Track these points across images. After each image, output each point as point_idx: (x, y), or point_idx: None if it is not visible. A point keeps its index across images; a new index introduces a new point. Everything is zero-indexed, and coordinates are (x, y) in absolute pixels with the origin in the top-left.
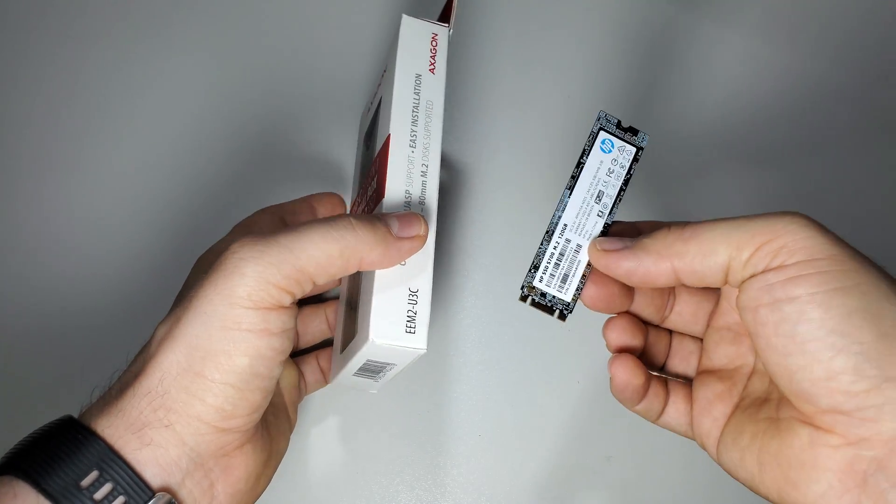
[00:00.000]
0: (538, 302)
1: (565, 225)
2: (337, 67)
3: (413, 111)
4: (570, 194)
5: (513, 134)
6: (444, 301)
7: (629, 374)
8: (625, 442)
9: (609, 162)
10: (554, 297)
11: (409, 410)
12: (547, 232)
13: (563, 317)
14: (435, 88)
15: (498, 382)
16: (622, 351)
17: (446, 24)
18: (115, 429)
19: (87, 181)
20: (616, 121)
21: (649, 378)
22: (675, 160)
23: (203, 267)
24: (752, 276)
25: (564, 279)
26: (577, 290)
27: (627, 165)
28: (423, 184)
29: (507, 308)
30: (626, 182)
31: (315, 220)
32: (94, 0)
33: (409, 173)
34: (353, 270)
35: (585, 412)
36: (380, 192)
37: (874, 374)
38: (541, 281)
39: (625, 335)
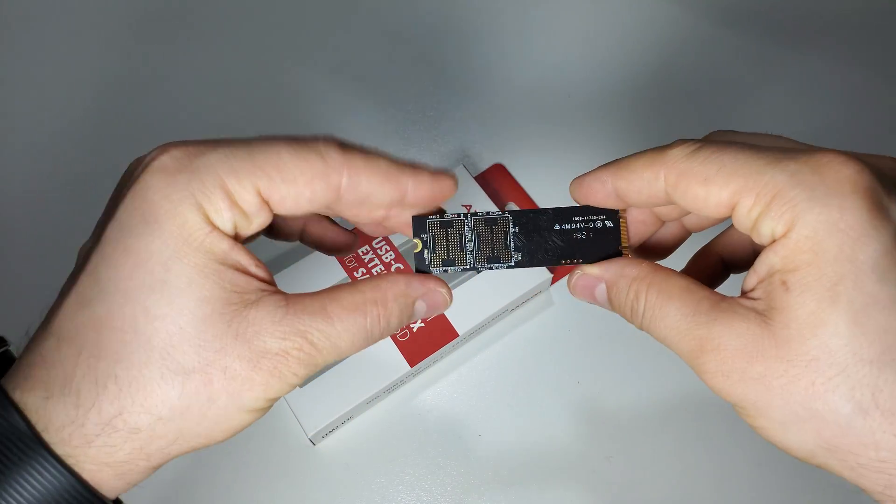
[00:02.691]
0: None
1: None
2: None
3: None
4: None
5: (513, 136)
6: None
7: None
8: (625, 442)
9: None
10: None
11: (408, 411)
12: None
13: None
14: None
15: (498, 382)
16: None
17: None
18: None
19: None
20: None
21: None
22: None
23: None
24: None
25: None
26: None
27: None
28: None
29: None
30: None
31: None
32: None
33: None
34: None
35: (585, 412)
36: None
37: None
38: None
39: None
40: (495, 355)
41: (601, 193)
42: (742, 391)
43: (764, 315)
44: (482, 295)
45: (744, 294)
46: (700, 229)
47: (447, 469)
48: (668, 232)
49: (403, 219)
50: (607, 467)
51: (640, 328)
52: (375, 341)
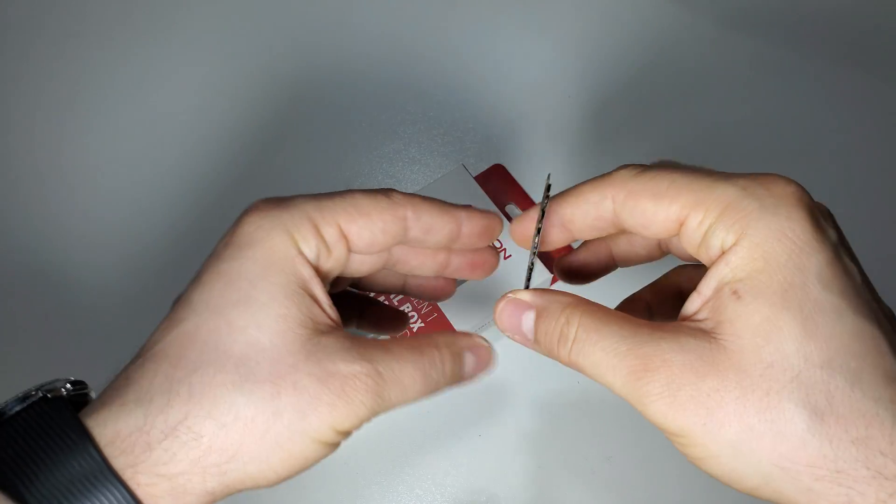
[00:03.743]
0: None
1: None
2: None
3: None
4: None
5: (513, 136)
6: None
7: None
8: (625, 442)
9: None
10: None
11: (409, 411)
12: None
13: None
14: None
15: (498, 382)
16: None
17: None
18: (142, 474)
19: (91, 176)
20: None
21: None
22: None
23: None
24: None
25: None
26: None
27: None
28: None
29: None
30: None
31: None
32: (96, 2)
33: None
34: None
35: (585, 412)
36: None
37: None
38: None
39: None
40: (495, 356)
41: (546, 225)
42: (692, 411)
43: (712, 332)
44: (482, 295)
45: (684, 320)
46: (628, 264)
47: (447, 469)
48: (596, 257)
49: (460, 261)
50: (607, 467)
51: (567, 359)
52: (433, 387)
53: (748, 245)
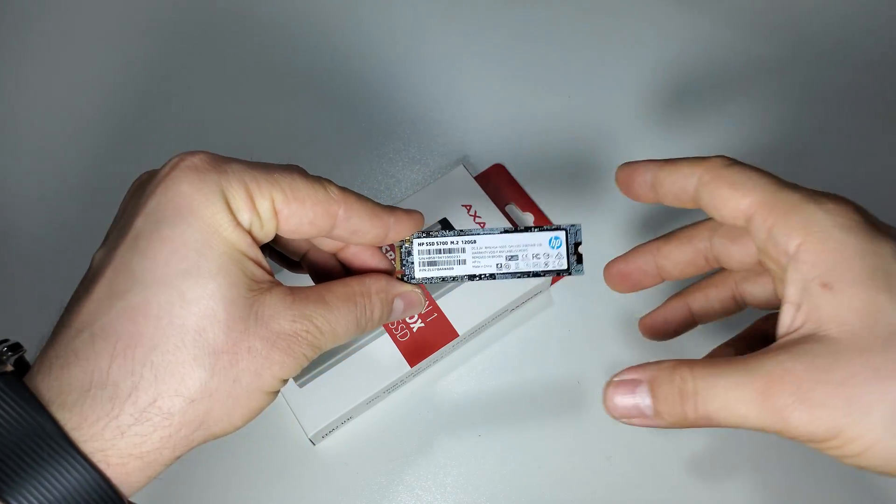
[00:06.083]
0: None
1: (474, 241)
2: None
3: None
4: (501, 232)
5: (513, 136)
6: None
7: None
8: (625, 442)
9: (543, 252)
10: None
11: (408, 411)
12: (460, 231)
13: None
14: None
15: (498, 382)
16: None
17: None
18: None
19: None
20: (576, 242)
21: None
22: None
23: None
24: None
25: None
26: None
27: (545, 270)
28: None
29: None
30: (527, 275)
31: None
32: None
33: None
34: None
35: (585, 412)
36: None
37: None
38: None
39: None
40: (495, 355)
41: (640, 179)
42: (832, 407)
43: (815, 334)
44: (482, 295)
45: (782, 337)
46: (706, 319)
47: (447, 469)
48: (675, 314)
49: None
50: (607, 467)
51: (695, 413)
52: (363, 331)
53: (816, 240)
